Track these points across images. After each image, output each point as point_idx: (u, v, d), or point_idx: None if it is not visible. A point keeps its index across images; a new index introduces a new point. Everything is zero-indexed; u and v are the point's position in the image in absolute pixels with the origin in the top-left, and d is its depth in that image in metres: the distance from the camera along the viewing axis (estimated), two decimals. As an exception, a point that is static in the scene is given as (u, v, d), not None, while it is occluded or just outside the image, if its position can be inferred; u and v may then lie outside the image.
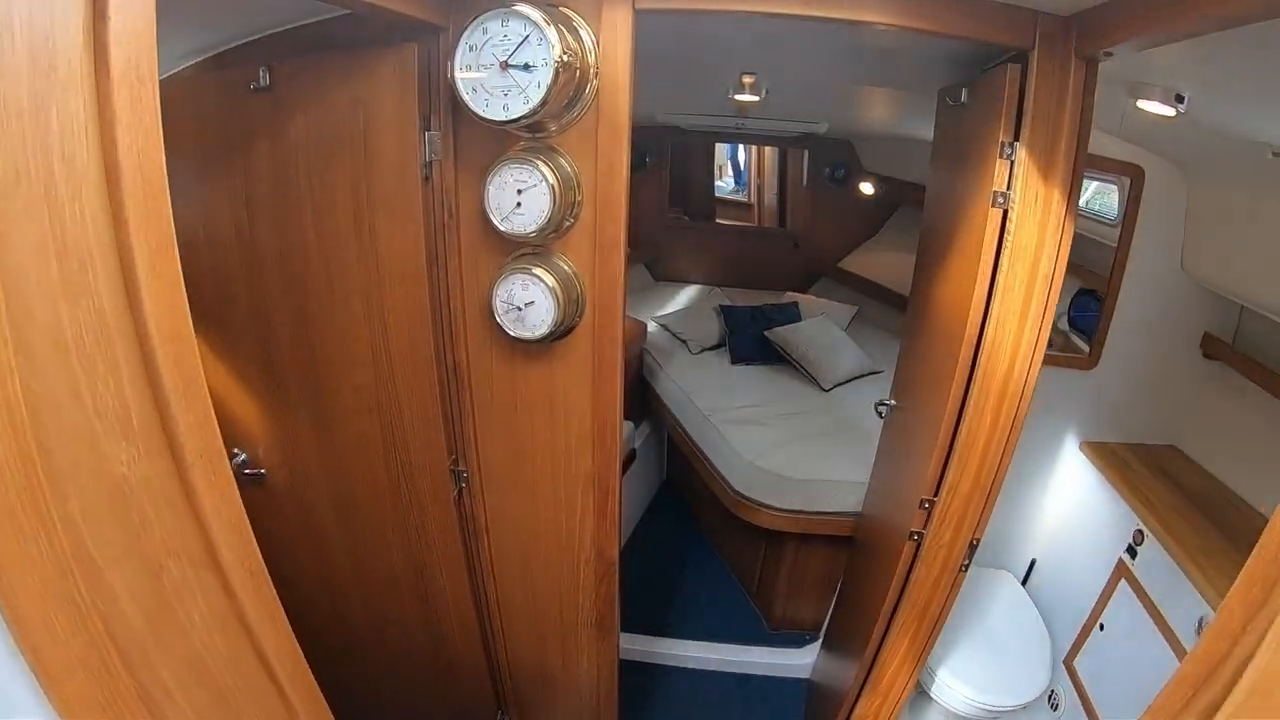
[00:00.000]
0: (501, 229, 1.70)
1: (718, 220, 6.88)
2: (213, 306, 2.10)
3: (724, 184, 7.49)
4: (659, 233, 5.81)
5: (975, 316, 1.79)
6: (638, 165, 5.54)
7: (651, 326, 4.71)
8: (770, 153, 6.91)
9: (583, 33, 1.60)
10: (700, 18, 1.70)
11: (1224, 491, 2.50)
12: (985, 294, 1.76)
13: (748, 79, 2.83)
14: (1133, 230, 2.58)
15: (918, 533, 2.10)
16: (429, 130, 1.71)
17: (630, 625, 3.47)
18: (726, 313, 4.59)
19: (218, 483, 0.98)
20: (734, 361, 4.34)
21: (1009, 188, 1.68)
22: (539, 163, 1.63)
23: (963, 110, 2.02)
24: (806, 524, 3.24)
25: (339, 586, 2.47)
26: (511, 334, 1.81)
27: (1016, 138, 1.66)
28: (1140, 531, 2.41)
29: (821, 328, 4.34)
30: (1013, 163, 1.67)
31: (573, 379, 1.92)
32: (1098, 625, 2.62)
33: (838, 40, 2.21)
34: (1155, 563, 2.32)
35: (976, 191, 1.81)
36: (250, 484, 2.28)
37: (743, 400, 3.85)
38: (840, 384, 4.05)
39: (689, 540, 4.32)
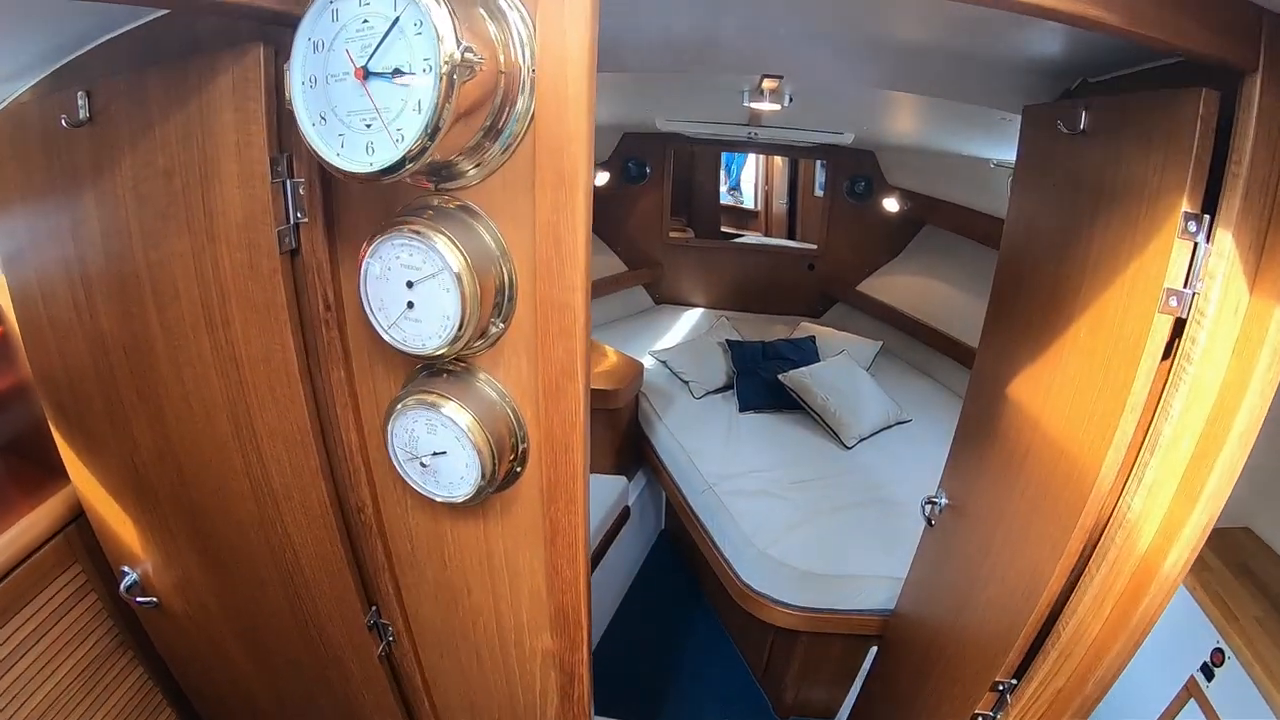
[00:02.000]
0: (389, 340, 1.05)
1: (721, 228, 6.24)
2: (67, 401, 1.60)
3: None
4: (660, 251, 5.14)
5: (1110, 470, 1.14)
6: (636, 176, 4.90)
7: (649, 363, 4.06)
8: (780, 163, 6.28)
9: (509, 12, 0.91)
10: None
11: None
12: (1133, 438, 1.12)
13: (770, 84, 2.18)
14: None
15: (985, 716, 1.53)
16: (291, 178, 1.09)
17: (619, 707, 2.97)
18: (734, 349, 3.94)
19: None
20: (742, 410, 3.69)
21: (1188, 285, 1.03)
22: (437, 237, 0.96)
23: (1083, 143, 1.36)
24: (824, 623, 2.61)
25: (264, 713, 2.00)
26: (420, 491, 1.18)
27: (1211, 209, 1.01)
28: (1220, 651, 1.90)
29: (842, 370, 3.68)
30: (1198, 246, 1.02)
31: (518, 545, 1.28)
32: (1156, 745, 2.11)
33: (887, 38, 1.68)
34: (1237, 690, 1.83)
35: (1121, 274, 1.17)
36: (147, 609, 1.84)
37: (752, 463, 3.21)
38: (865, 439, 3.39)
39: (688, 603, 3.70)
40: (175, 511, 1.57)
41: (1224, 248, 0.99)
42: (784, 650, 2.99)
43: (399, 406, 1.11)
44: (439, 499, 1.16)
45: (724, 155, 6.61)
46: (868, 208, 4.79)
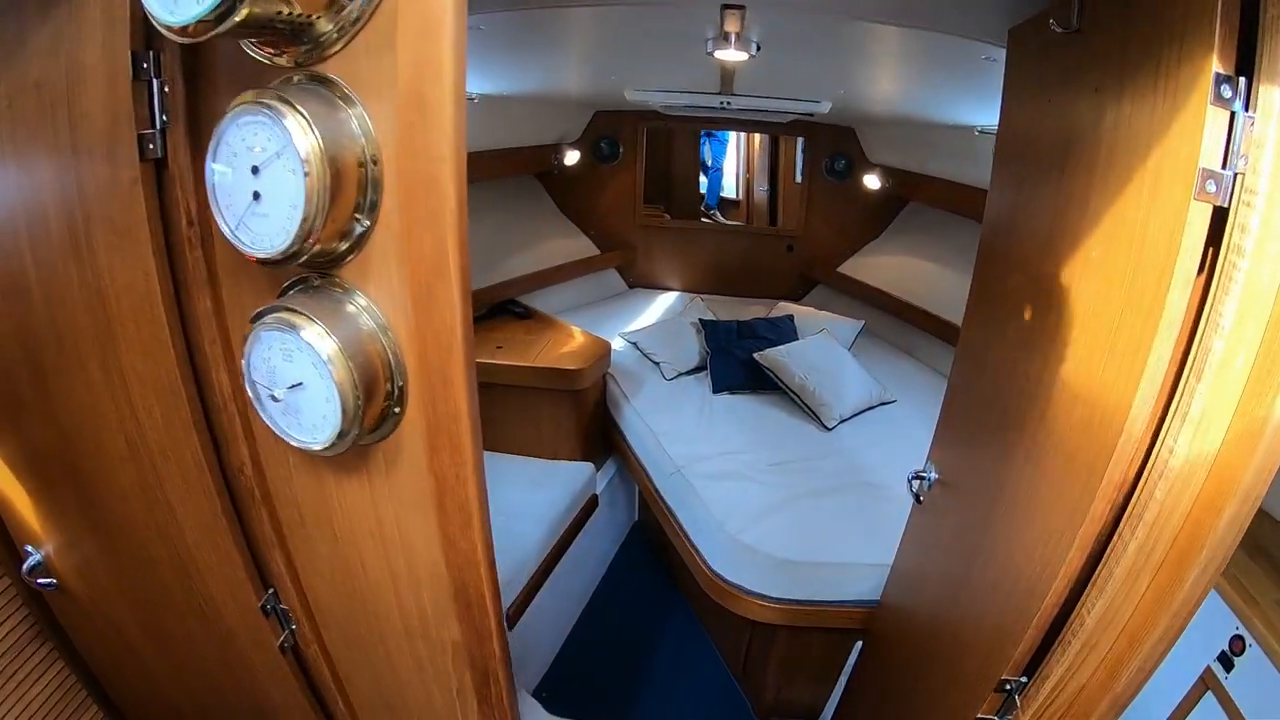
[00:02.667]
0: (237, 244, 0.84)
1: (701, 218, 6.01)
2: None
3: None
4: (633, 233, 4.90)
5: (1144, 407, 0.91)
6: (608, 156, 4.66)
7: (619, 344, 3.82)
8: (760, 147, 6.06)
9: None
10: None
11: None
12: (1169, 367, 0.89)
13: (732, 22, 1.95)
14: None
15: (987, 720, 1.29)
16: (157, 77, 0.93)
17: (587, 708, 2.78)
18: (708, 329, 3.70)
19: None
20: (716, 390, 3.44)
21: (1227, 165, 0.81)
22: (283, 108, 0.76)
23: (1079, 42, 1.16)
24: (804, 615, 2.38)
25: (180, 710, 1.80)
26: (281, 435, 0.94)
27: (1248, 70, 0.79)
28: (1240, 639, 1.70)
29: (822, 348, 3.45)
30: (1235, 115, 0.80)
31: (408, 510, 1.05)
32: (1170, 740, 1.91)
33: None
34: (1260, 681, 1.63)
35: (1139, 170, 0.94)
36: (51, 593, 1.65)
37: (725, 445, 2.96)
38: (846, 420, 3.16)
39: (662, 598, 3.46)
40: (64, 480, 1.36)
41: (1271, 106, 0.77)
42: (762, 647, 2.76)
43: (255, 327, 0.88)
44: (297, 444, 0.93)
45: (700, 170, 6.38)
46: (848, 186, 4.58)
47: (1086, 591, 1.04)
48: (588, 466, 3.20)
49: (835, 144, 4.51)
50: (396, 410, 0.94)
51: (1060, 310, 1.17)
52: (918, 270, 4.16)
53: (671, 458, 2.86)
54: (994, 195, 1.61)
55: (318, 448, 0.91)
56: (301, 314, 0.85)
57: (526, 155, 4.33)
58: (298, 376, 0.87)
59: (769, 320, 3.84)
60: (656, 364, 3.62)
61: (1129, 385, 0.91)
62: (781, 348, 3.42)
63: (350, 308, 0.89)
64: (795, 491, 2.63)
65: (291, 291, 0.94)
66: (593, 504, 3.22)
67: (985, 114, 3.04)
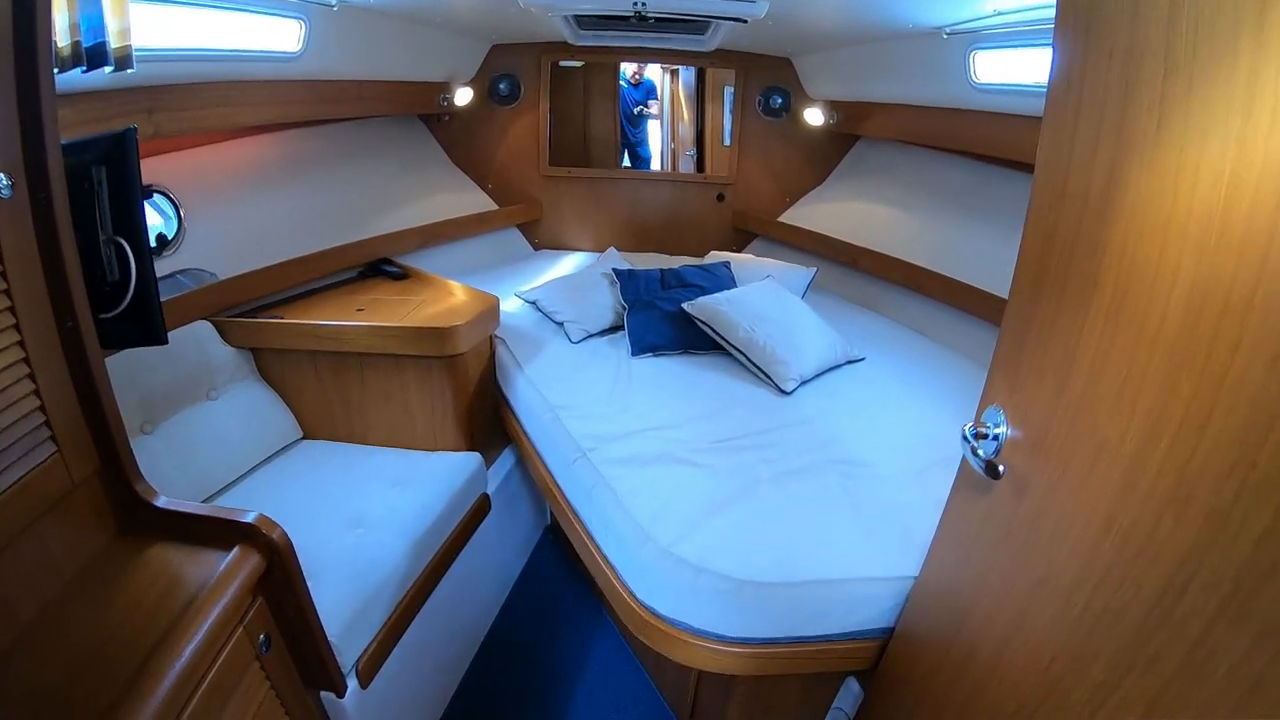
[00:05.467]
0: None
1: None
2: None
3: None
4: (538, 185, 3.97)
5: None
6: (508, 96, 3.76)
7: (512, 305, 2.89)
8: (687, 105, 5.23)
9: None
10: None
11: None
12: None
13: None
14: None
15: None
16: None
17: None
18: (623, 280, 2.78)
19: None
20: (636, 353, 2.50)
21: None
22: None
23: None
24: (775, 661, 1.51)
25: None
26: None
27: None
28: None
29: (770, 296, 2.58)
30: None
31: None
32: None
33: None
34: None
35: None
36: None
37: (649, 419, 2.03)
38: (807, 381, 2.30)
39: (586, 622, 2.58)
40: None
41: None
42: (715, 691, 1.91)
43: None
44: None
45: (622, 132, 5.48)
46: (786, 125, 3.77)
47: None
48: (474, 457, 2.28)
49: (771, 76, 3.70)
50: None
51: None
52: (872, 215, 3.38)
53: (574, 438, 1.93)
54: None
55: None
56: None
57: (408, 92, 3.36)
58: None
59: (701, 268, 2.93)
60: (560, 324, 2.69)
61: None
62: (719, 295, 2.53)
63: None
64: (751, 477, 1.74)
65: None
66: (484, 505, 2.31)
67: (956, 3, 2.25)
